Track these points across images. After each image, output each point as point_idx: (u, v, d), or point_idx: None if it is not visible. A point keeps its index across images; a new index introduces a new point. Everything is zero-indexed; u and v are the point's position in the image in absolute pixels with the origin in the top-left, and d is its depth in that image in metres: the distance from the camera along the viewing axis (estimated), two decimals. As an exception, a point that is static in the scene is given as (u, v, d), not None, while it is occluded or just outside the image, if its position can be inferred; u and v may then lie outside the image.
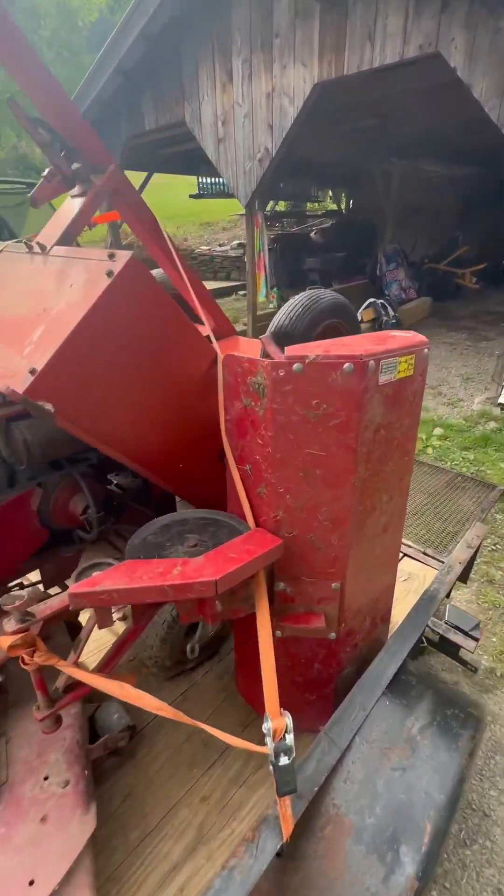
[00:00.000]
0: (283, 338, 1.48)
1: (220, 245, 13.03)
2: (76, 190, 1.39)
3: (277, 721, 0.97)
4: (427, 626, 1.65)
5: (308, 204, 15.36)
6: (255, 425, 1.07)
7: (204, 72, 5.82)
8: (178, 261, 1.47)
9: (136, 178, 9.18)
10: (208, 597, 0.94)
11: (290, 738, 0.96)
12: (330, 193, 14.23)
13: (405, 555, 2.37)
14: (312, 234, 12.42)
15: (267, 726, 0.96)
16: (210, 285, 11.68)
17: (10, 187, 7.04)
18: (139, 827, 1.20)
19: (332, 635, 1.25)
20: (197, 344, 1.23)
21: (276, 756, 0.93)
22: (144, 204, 1.51)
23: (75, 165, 1.33)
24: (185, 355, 1.21)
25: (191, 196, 9.87)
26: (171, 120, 6.46)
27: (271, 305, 8.05)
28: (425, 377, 1.16)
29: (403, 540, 2.46)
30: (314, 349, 0.99)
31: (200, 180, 10.27)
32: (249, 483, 1.16)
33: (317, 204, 15.44)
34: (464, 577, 2.21)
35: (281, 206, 15.20)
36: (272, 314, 7.82)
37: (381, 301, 7.43)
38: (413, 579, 2.20)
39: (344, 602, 1.22)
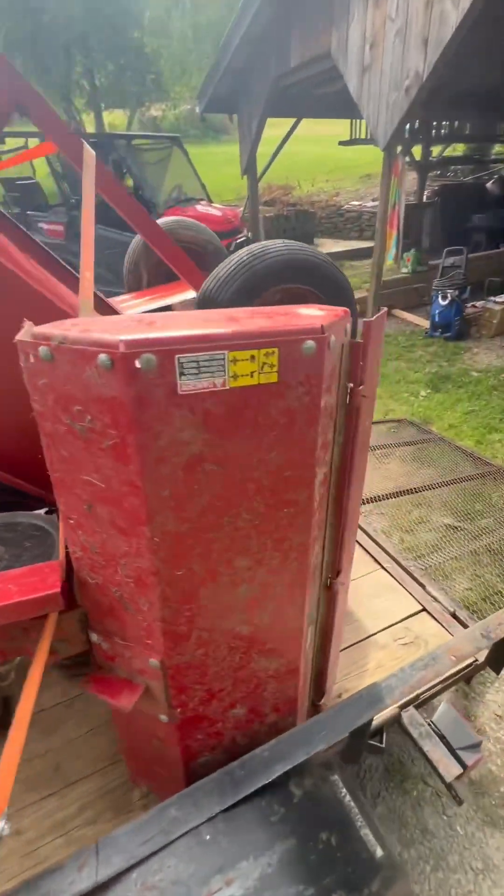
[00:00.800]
0: (210, 307, 1.09)
1: (373, 200, 11.75)
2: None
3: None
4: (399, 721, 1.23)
5: (497, 147, 12.68)
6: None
7: (358, -16, 4.95)
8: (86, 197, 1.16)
9: (284, 124, 8.64)
10: None
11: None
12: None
13: (424, 609, 1.80)
14: (489, 185, 10.32)
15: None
16: (351, 245, 10.70)
17: (151, 143, 7.24)
18: None
19: (164, 717, 0.93)
20: (29, 303, 0.95)
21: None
22: (67, 129, 1.22)
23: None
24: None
25: (341, 143, 8.90)
26: (316, 52, 5.75)
27: (404, 270, 6.99)
28: (317, 387, 0.69)
29: (430, 589, 1.88)
30: (70, 327, 0.63)
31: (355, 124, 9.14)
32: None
33: (507, 146, 12.67)
34: (497, 667, 1.61)
35: (459, 149, 12.86)
36: (402, 280, 6.81)
37: (551, 270, 5.81)
38: (417, 646, 1.66)
39: (172, 683, 0.88)
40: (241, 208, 8.71)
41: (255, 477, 0.72)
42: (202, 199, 7.23)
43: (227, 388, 0.63)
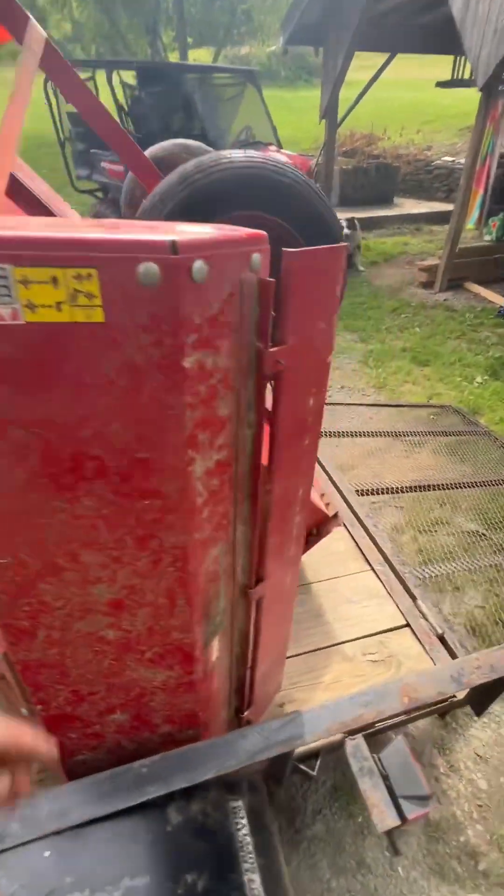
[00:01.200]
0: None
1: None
2: None
3: None
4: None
5: None
6: None
7: None
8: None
9: (377, 60, 7.69)
10: None
11: None
12: None
13: (407, 625, 1.57)
14: None
15: None
16: (435, 206, 9.59)
17: (226, 78, 6.74)
18: None
19: (24, 711, 0.81)
20: None
21: None
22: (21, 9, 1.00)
23: None
24: None
25: (438, 84, 7.76)
26: (420, -35, 4.93)
27: (487, 237, 6.16)
28: (174, 337, 0.48)
29: (420, 603, 1.64)
30: None
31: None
32: None
33: None
34: (478, 709, 1.39)
35: None
36: (483, 249, 6.03)
37: None
38: (388, 665, 1.45)
39: (24, 679, 0.75)
40: (315, 158, 8.02)
41: (93, 454, 0.54)
42: (271, 144, 6.69)
43: (22, 322, 0.44)
